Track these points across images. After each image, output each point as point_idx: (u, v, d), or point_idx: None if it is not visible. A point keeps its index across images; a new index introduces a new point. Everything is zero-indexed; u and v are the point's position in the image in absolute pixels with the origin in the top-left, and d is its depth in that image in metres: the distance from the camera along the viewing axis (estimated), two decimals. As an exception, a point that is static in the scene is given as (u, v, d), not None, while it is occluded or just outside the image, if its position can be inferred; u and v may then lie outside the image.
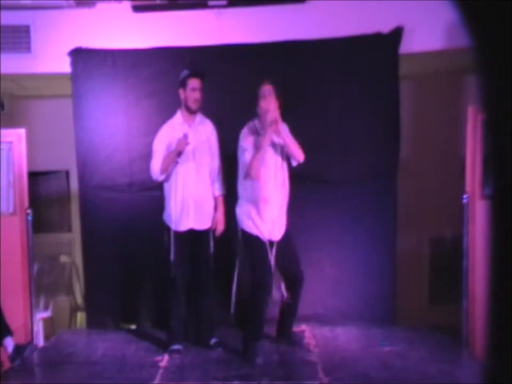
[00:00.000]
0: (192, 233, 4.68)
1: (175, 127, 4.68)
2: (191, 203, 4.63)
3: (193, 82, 4.60)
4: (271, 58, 5.31)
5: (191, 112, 4.67)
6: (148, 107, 5.42)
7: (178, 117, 4.72)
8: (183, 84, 4.62)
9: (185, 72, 4.66)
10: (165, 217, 4.71)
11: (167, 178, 4.66)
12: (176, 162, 4.56)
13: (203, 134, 4.71)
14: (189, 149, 4.58)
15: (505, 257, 0.81)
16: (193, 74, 4.62)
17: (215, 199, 4.77)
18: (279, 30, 5.37)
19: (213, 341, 4.76)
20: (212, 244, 4.74)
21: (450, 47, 5.07)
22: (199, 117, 4.74)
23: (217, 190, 4.78)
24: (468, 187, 4.71)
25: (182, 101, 4.67)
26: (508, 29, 0.75)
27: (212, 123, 4.79)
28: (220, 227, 4.76)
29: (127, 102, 5.46)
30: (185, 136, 4.50)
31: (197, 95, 4.60)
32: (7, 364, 4.54)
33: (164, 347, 4.77)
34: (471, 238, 4.64)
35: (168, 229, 4.68)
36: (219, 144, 4.84)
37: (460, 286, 4.76)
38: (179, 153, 4.51)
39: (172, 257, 4.64)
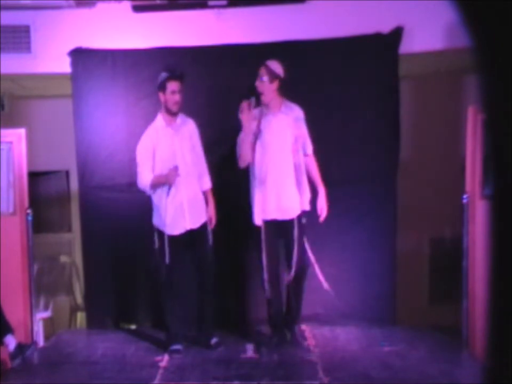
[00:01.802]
0: (189, 233, 4.68)
1: (158, 130, 4.71)
2: (185, 204, 4.64)
3: (173, 85, 4.59)
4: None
5: (172, 114, 4.68)
6: (147, 107, 5.41)
7: (160, 120, 4.74)
8: (162, 87, 4.61)
9: (163, 75, 4.63)
10: (156, 222, 4.71)
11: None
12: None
13: (186, 133, 4.73)
14: (175, 150, 4.64)
15: (505, 257, 0.81)
16: (172, 77, 4.61)
17: (205, 193, 4.80)
18: (279, 30, 5.37)
19: (213, 341, 4.75)
20: (210, 239, 4.73)
21: (450, 47, 5.07)
22: (181, 117, 4.75)
23: (206, 184, 4.80)
24: (468, 187, 4.71)
25: (162, 104, 4.68)
26: (508, 29, 0.75)
27: (193, 121, 4.81)
28: (213, 220, 4.79)
29: (127, 102, 5.46)
30: (176, 168, 4.54)
31: (176, 97, 4.60)
32: (8, 363, 4.53)
33: (163, 347, 4.77)
34: (471, 238, 4.64)
35: (160, 233, 4.68)
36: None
37: (460, 286, 4.76)
38: (170, 185, 4.58)
39: (167, 260, 4.62)
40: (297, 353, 4.60)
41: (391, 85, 5.36)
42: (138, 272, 5.55)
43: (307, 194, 4.70)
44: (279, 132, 4.55)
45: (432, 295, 5.87)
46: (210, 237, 4.74)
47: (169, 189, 4.62)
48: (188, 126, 4.76)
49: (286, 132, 4.56)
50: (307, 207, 4.69)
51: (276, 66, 4.55)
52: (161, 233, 4.67)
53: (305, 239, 4.70)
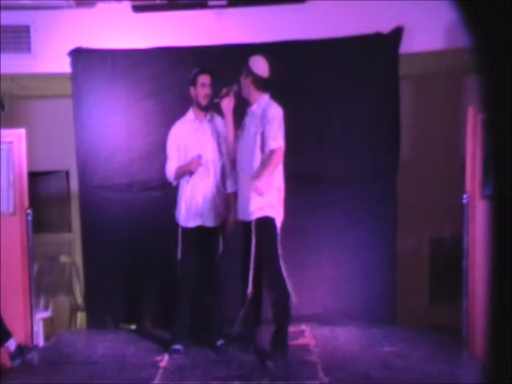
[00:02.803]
0: (201, 230, 4.68)
1: (186, 124, 4.75)
2: (200, 199, 4.65)
3: (203, 78, 4.66)
4: (271, 58, 5.31)
5: (202, 108, 4.72)
6: (147, 107, 5.42)
7: (190, 114, 4.78)
8: (193, 81, 4.68)
9: (194, 70, 4.72)
10: (176, 214, 4.74)
11: None
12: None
13: (213, 130, 4.74)
14: (199, 144, 4.66)
15: (505, 257, 0.81)
16: (202, 71, 4.69)
17: (227, 196, 4.75)
18: (279, 30, 5.37)
19: (219, 342, 4.73)
20: (221, 242, 4.71)
21: (450, 47, 5.07)
22: (211, 115, 4.78)
23: (229, 187, 4.74)
24: (468, 187, 4.71)
25: (193, 98, 4.72)
26: (508, 29, 0.75)
27: (223, 120, 4.81)
28: (231, 226, 4.70)
29: (127, 102, 5.46)
30: (199, 156, 4.60)
31: (206, 90, 4.66)
32: (8, 363, 4.53)
33: (164, 347, 4.77)
34: (471, 238, 4.64)
35: (177, 227, 4.70)
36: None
37: (460, 286, 4.76)
38: (191, 173, 4.61)
39: (178, 254, 4.66)
40: (297, 353, 4.60)
41: (391, 85, 5.36)
42: (139, 272, 5.55)
43: (270, 199, 4.31)
44: (248, 131, 4.46)
45: (432, 295, 5.87)
46: (220, 242, 4.70)
47: (189, 179, 4.64)
48: (216, 124, 4.76)
49: (251, 131, 4.42)
50: (270, 213, 4.31)
51: (255, 63, 4.43)
52: (178, 227, 4.70)
53: (275, 252, 4.33)
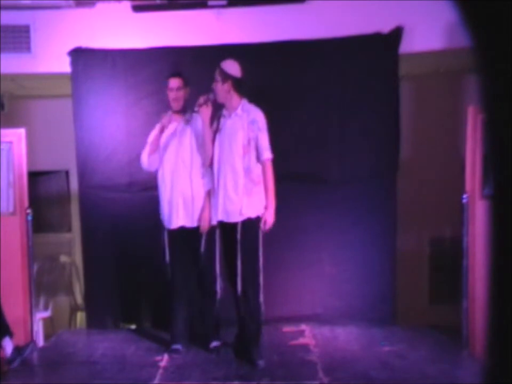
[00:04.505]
0: (184, 231, 4.68)
1: (165, 124, 4.75)
2: (180, 200, 4.65)
3: (171, 83, 4.72)
4: (271, 58, 5.32)
5: (175, 111, 4.74)
6: (147, 107, 5.42)
7: (169, 115, 4.79)
8: (166, 85, 4.75)
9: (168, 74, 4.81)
10: (161, 216, 4.75)
11: (158, 176, 4.72)
12: (159, 146, 4.68)
13: (193, 130, 4.72)
14: (176, 146, 4.68)
15: (505, 257, 0.81)
16: (171, 75, 4.76)
17: (208, 193, 4.70)
18: (279, 30, 5.37)
19: (212, 344, 4.70)
20: (202, 244, 4.66)
21: (450, 47, 5.07)
22: (190, 116, 4.76)
23: (205, 185, 4.69)
24: (468, 187, 4.71)
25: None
26: (508, 29, 0.75)
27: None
28: (204, 224, 4.64)
29: (127, 102, 5.46)
30: (170, 114, 4.66)
31: (174, 94, 4.70)
32: (4, 366, 4.51)
33: (163, 347, 4.77)
34: (471, 238, 4.64)
35: (163, 228, 4.72)
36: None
37: (460, 286, 4.76)
38: (162, 129, 4.64)
39: (167, 258, 4.67)
40: (297, 353, 4.60)
41: (391, 85, 5.36)
42: (138, 272, 5.55)
43: (255, 201, 4.37)
44: (231, 133, 4.43)
45: (432, 295, 5.87)
46: (202, 241, 4.67)
47: (169, 181, 4.66)
48: (194, 125, 4.74)
49: (238, 134, 4.39)
50: (253, 214, 4.35)
51: (229, 66, 4.41)
52: (164, 229, 4.71)
53: (259, 251, 4.34)
